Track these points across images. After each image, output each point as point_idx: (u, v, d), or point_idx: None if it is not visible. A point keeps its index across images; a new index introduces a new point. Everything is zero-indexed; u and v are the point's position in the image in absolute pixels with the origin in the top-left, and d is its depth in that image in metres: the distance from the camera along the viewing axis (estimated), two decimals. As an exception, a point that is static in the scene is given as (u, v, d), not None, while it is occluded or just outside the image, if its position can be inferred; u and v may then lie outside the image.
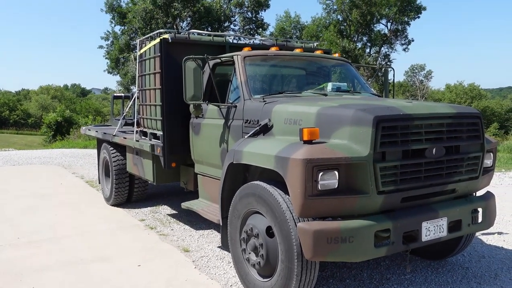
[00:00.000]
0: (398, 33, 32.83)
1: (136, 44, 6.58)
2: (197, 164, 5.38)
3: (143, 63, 6.01)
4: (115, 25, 31.07)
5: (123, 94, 12.39)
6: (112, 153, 7.24)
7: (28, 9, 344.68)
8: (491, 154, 4.14)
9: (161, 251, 5.14)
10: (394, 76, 6.35)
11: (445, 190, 3.73)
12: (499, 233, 5.72)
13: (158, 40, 5.48)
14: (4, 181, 10.01)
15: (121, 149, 7.22)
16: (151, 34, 6.05)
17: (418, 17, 31.68)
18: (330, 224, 3.21)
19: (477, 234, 5.46)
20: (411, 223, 3.45)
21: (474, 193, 4.11)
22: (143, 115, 6.24)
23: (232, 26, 31.84)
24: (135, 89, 8.49)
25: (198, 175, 5.46)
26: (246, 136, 4.19)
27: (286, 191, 3.41)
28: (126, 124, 8.32)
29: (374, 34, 32.82)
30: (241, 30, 31.21)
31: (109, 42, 31.89)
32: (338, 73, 5.71)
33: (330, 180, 3.17)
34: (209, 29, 28.60)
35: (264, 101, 4.28)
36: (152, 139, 5.95)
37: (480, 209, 3.94)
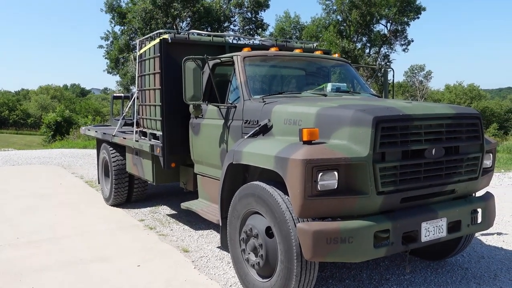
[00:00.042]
0: (398, 34, 32.89)
1: (136, 44, 6.57)
2: (197, 165, 5.38)
3: (143, 63, 6.01)
4: (115, 25, 31.12)
5: (122, 94, 12.33)
6: (111, 153, 7.24)
7: (28, 9, 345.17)
8: (491, 154, 4.15)
9: (161, 251, 5.14)
10: (393, 77, 6.37)
11: (445, 191, 3.73)
12: (499, 234, 5.73)
13: (157, 40, 5.48)
14: (3, 181, 9.99)
15: (120, 149, 7.22)
16: (150, 34, 6.05)
17: (418, 17, 31.76)
18: (330, 224, 3.22)
19: (476, 234, 5.46)
20: (411, 224, 3.45)
21: (473, 194, 4.11)
22: (142, 115, 6.23)
23: (231, 26, 31.90)
24: (134, 89, 8.48)
25: (197, 175, 5.46)
26: (245, 137, 4.19)
27: (285, 192, 3.40)
28: (125, 124, 8.30)
29: (374, 35, 32.86)
30: (240, 31, 31.23)
31: (108, 42, 31.89)
32: (338, 73, 5.71)
33: (329, 181, 3.17)
34: (209, 29, 28.61)
35: (263, 102, 4.28)
36: (152, 139, 5.95)
37: (479, 210, 3.94)
